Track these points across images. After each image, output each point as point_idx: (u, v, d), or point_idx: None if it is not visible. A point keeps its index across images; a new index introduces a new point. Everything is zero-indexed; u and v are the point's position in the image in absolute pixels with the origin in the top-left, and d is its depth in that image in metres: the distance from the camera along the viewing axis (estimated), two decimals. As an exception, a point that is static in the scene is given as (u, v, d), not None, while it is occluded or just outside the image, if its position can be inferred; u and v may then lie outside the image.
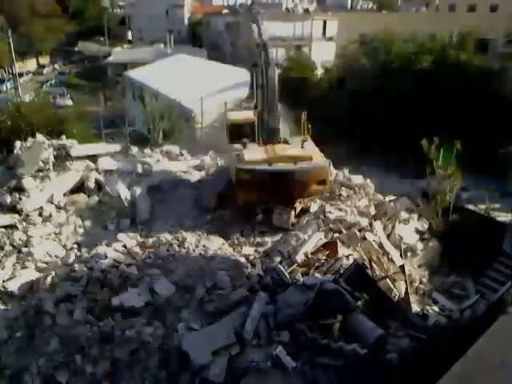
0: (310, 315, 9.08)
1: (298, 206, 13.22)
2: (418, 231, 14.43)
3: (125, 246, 11.38)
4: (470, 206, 16.72)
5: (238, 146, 13.46)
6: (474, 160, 18.00)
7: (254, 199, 12.79)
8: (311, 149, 13.53)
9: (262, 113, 13.62)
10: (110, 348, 8.51)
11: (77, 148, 15.26)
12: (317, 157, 13.07)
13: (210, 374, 7.93)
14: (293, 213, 12.89)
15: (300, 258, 10.76)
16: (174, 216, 13.69)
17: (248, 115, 14.19)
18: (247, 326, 8.60)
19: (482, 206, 16.71)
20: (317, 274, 10.38)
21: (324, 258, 11.18)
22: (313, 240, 11.44)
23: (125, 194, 13.82)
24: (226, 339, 8.34)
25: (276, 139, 13.62)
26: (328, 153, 16.10)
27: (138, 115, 24.38)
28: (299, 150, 13.20)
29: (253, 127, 13.88)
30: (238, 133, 13.94)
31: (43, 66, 61.91)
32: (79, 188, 14.24)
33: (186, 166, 16.87)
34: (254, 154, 12.87)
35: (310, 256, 10.95)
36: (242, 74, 29.93)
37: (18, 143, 14.47)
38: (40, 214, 12.92)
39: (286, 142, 13.79)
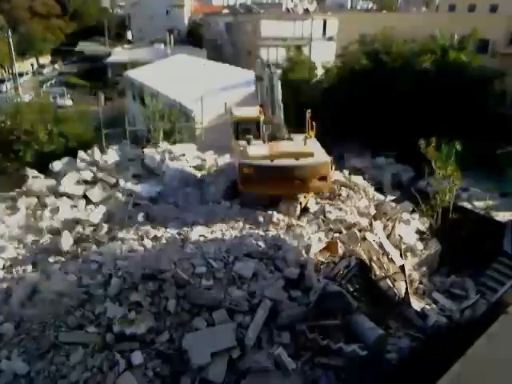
0: (312, 316, 9.10)
1: (304, 200, 13.50)
2: (418, 231, 14.44)
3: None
4: (470, 206, 16.74)
5: (243, 142, 14.05)
6: (474, 160, 18.04)
7: (256, 192, 13.41)
8: (313, 146, 13.94)
9: (268, 112, 14.40)
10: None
11: None
12: (318, 153, 13.41)
13: (209, 374, 7.95)
14: (299, 206, 13.23)
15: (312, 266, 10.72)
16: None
17: (253, 112, 14.60)
18: (249, 332, 8.59)
19: (481, 204, 16.71)
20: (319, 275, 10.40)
21: (326, 258, 11.20)
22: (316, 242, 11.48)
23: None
24: (227, 342, 8.33)
25: (281, 136, 14.13)
26: (328, 153, 16.02)
27: (138, 115, 24.39)
28: (302, 146, 13.63)
29: (258, 124, 14.31)
30: (244, 129, 14.39)
31: (43, 66, 61.90)
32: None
33: (187, 166, 16.92)
34: (257, 149, 13.43)
35: (316, 258, 10.97)
36: (242, 74, 30.07)
37: None
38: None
39: (289, 139, 14.18)
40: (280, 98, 14.37)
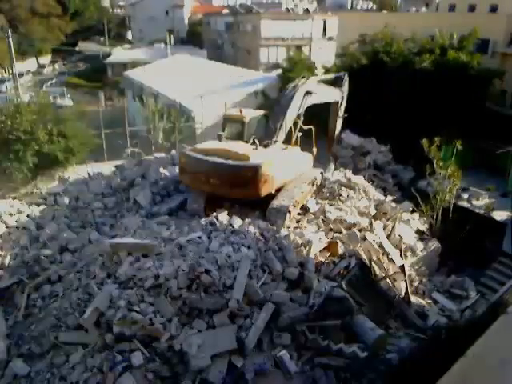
0: (312, 317, 9.10)
1: (292, 209, 12.71)
2: (418, 231, 14.44)
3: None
4: (470, 206, 16.74)
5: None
6: (474, 160, 18.05)
7: (188, 183, 13.57)
8: (263, 153, 12.68)
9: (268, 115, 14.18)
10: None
11: None
12: (256, 159, 12.14)
13: (209, 375, 7.94)
14: (288, 215, 12.47)
15: (312, 266, 10.68)
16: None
17: (237, 113, 14.22)
18: (251, 334, 8.58)
19: (481, 204, 16.71)
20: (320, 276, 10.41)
21: (326, 258, 11.20)
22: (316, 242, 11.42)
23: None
24: (227, 344, 8.32)
25: (270, 139, 13.34)
26: (327, 154, 16.05)
27: (138, 115, 24.38)
28: (245, 149, 12.73)
29: (243, 125, 13.80)
30: (234, 131, 14.10)
31: (43, 66, 61.92)
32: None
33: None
34: (206, 144, 13.61)
35: (316, 258, 10.97)
36: (243, 74, 30.10)
37: None
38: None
39: (253, 143, 13.11)
40: (290, 112, 13.69)
